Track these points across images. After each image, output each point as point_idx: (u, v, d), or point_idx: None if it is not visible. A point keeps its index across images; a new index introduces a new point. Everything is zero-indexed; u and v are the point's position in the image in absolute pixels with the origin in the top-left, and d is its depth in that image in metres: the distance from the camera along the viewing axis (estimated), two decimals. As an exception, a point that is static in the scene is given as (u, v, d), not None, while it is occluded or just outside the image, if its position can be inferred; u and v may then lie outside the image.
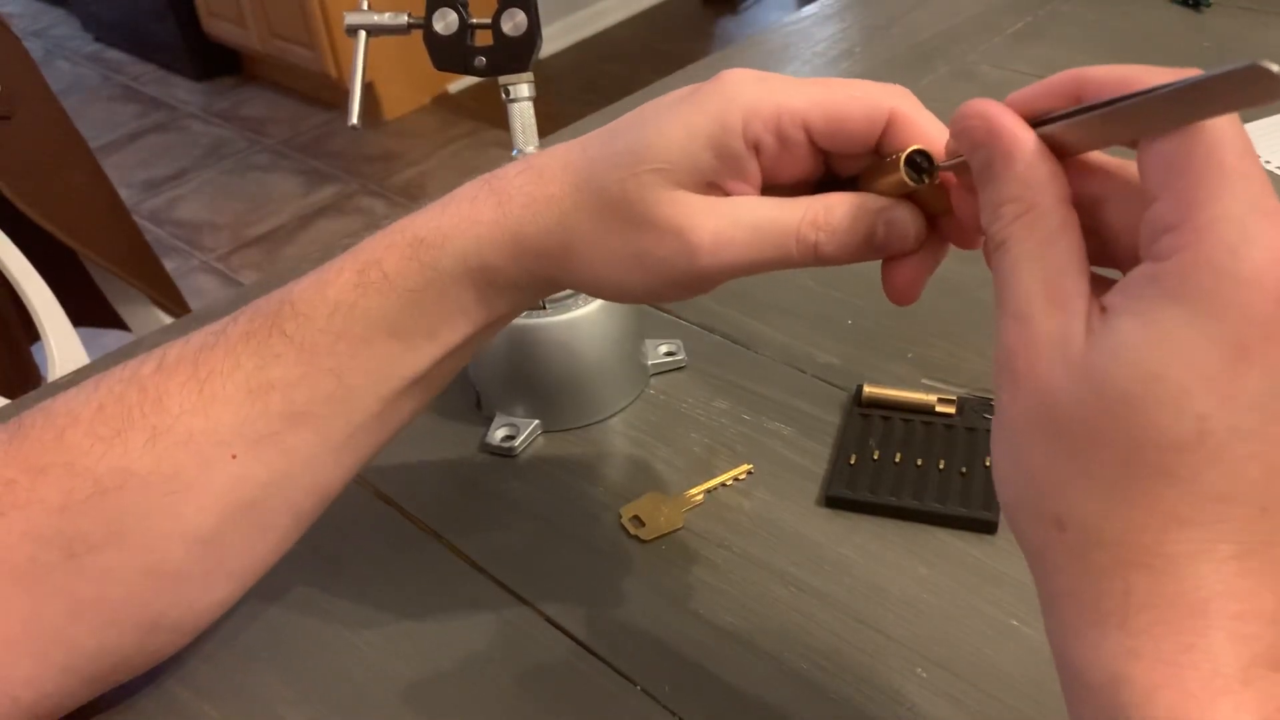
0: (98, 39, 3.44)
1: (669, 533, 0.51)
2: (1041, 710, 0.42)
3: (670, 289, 0.38)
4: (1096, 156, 0.30)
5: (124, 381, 0.41)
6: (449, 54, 0.52)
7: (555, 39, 3.06)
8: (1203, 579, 0.25)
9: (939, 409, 0.55)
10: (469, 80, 2.80)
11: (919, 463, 0.52)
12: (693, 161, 0.36)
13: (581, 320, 0.56)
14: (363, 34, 0.54)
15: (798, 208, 0.36)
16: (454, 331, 0.41)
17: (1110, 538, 0.26)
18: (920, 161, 0.34)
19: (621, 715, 0.43)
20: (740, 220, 0.36)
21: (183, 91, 3.12)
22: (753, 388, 0.59)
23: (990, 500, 0.50)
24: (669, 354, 0.61)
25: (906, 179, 0.34)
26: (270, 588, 0.49)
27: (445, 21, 0.52)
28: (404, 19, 0.53)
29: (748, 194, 0.37)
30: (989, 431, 0.54)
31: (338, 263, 0.41)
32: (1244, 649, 0.25)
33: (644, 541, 0.50)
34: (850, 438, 0.54)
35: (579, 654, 0.46)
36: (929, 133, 0.35)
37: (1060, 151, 0.29)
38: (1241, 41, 0.92)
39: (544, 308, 0.56)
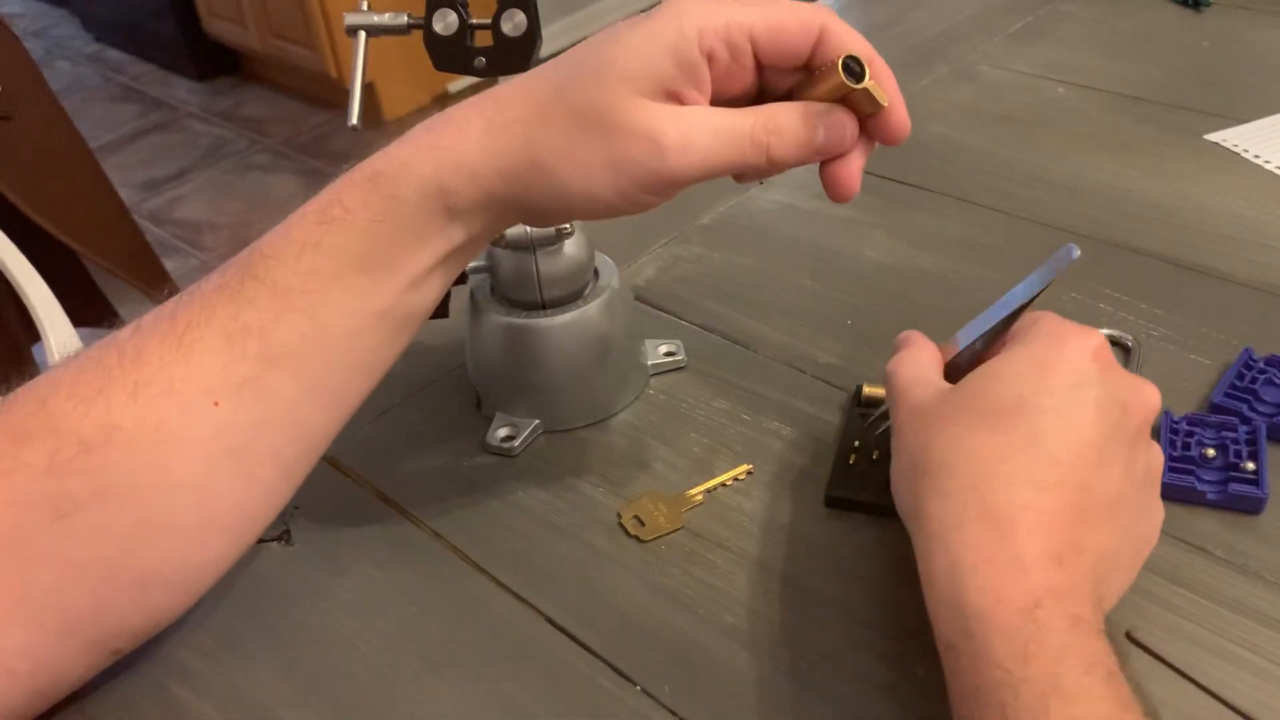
0: (98, 39, 3.45)
1: (669, 533, 0.51)
2: (1041, 710, 0.42)
3: (640, 192, 0.40)
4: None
5: (102, 347, 0.42)
6: (449, 54, 0.52)
7: (555, 39, 3.02)
8: (1011, 497, 0.38)
9: (939, 409, 0.55)
10: (469, 80, 2.79)
11: (919, 463, 0.52)
12: (655, 69, 0.39)
13: (581, 320, 0.56)
14: (362, 34, 0.54)
15: (750, 114, 0.40)
16: (416, 261, 0.42)
17: (956, 468, 0.40)
18: (853, 66, 0.39)
19: (621, 715, 0.43)
20: (702, 124, 0.39)
21: (183, 91, 3.12)
22: (753, 388, 0.59)
23: (990, 500, 0.50)
24: (669, 354, 0.61)
25: (844, 80, 0.39)
26: (271, 588, 0.49)
27: (445, 22, 0.52)
28: (404, 19, 0.53)
29: (702, 104, 0.40)
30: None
31: (301, 209, 0.43)
32: (1039, 543, 0.37)
33: (644, 541, 0.50)
34: (850, 438, 0.54)
35: (579, 654, 0.46)
36: (855, 44, 0.40)
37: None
38: (1241, 41, 0.93)
39: (544, 307, 0.56)
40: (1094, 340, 0.41)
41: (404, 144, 0.42)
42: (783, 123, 0.40)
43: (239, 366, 0.41)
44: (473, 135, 0.41)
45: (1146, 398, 0.41)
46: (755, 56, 0.40)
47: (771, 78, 0.42)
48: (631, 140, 0.39)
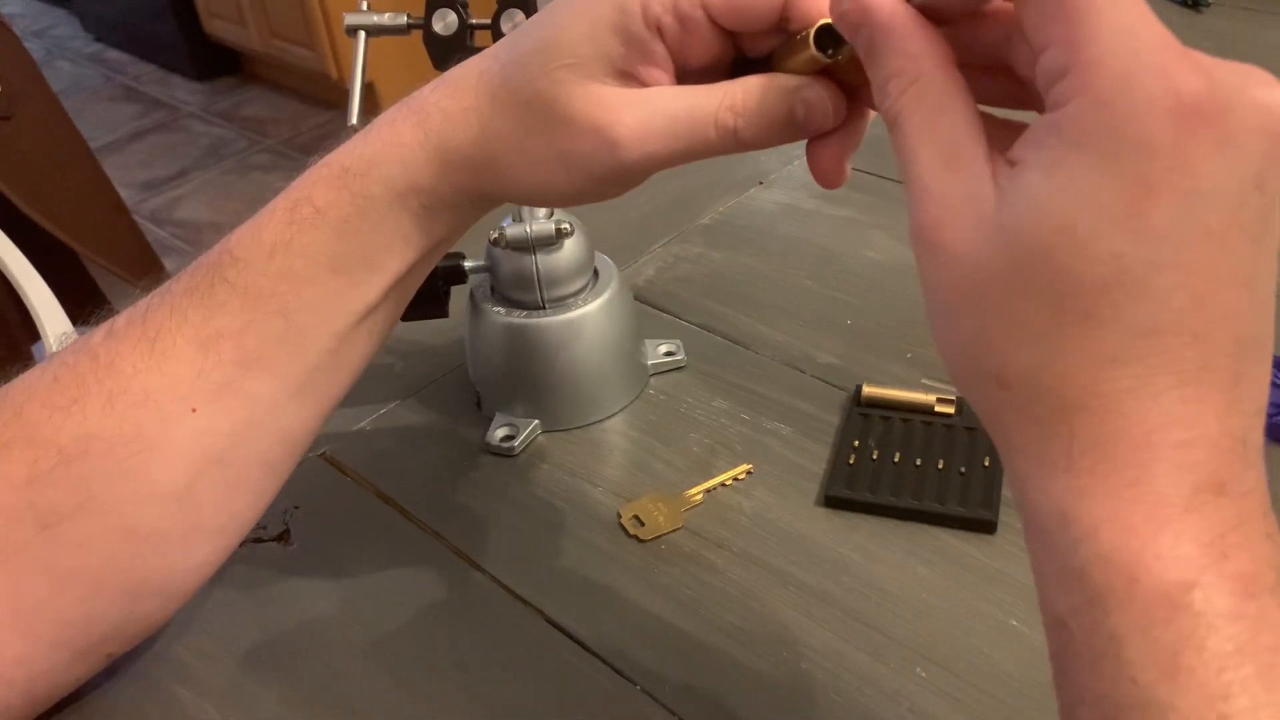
0: (98, 39, 3.45)
1: (669, 533, 0.51)
2: (1041, 710, 0.42)
3: (597, 186, 0.37)
4: (993, 3, 0.30)
5: (75, 352, 0.41)
6: (449, 54, 0.52)
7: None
8: (1144, 413, 0.26)
9: (938, 409, 0.55)
10: (469, 80, 2.79)
11: (918, 462, 0.52)
12: (601, 51, 0.35)
13: (581, 320, 0.56)
14: (362, 34, 0.54)
15: (714, 94, 0.36)
16: (398, 259, 0.41)
17: (1049, 387, 0.26)
18: (827, 37, 0.33)
19: (621, 715, 0.43)
20: (658, 110, 0.36)
21: (183, 91, 3.12)
22: (753, 388, 0.59)
23: (990, 500, 0.50)
24: (669, 354, 0.61)
25: (818, 56, 0.33)
26: (270, 587, 0.49)
27: (445, 22, 0.52)
28: (404, 19, 0.53)
29: (663, 83, 0.36)
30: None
31: (270, 205, 0.41)
32: (1187, 476, 0.25)
33: (644, 541, 0.50)
34: (850, 438, 0.54)
35: (579, 654, 0.46)
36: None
37: (942, 17, 0.29)
38: (1241, 41, 0.92)
39: (544, 307, 0.56)
40: (1195, 98, 0.25)
41: (369, 139, 0.40)
42: (752, 102, 0.35)
43: (215, 372, 0.40)
44: (434, 128, 0.39)
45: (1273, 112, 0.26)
46: (717, 23, 0.36)
47: (747, 40, 0.37)
48: (580, 134, 0.36)
